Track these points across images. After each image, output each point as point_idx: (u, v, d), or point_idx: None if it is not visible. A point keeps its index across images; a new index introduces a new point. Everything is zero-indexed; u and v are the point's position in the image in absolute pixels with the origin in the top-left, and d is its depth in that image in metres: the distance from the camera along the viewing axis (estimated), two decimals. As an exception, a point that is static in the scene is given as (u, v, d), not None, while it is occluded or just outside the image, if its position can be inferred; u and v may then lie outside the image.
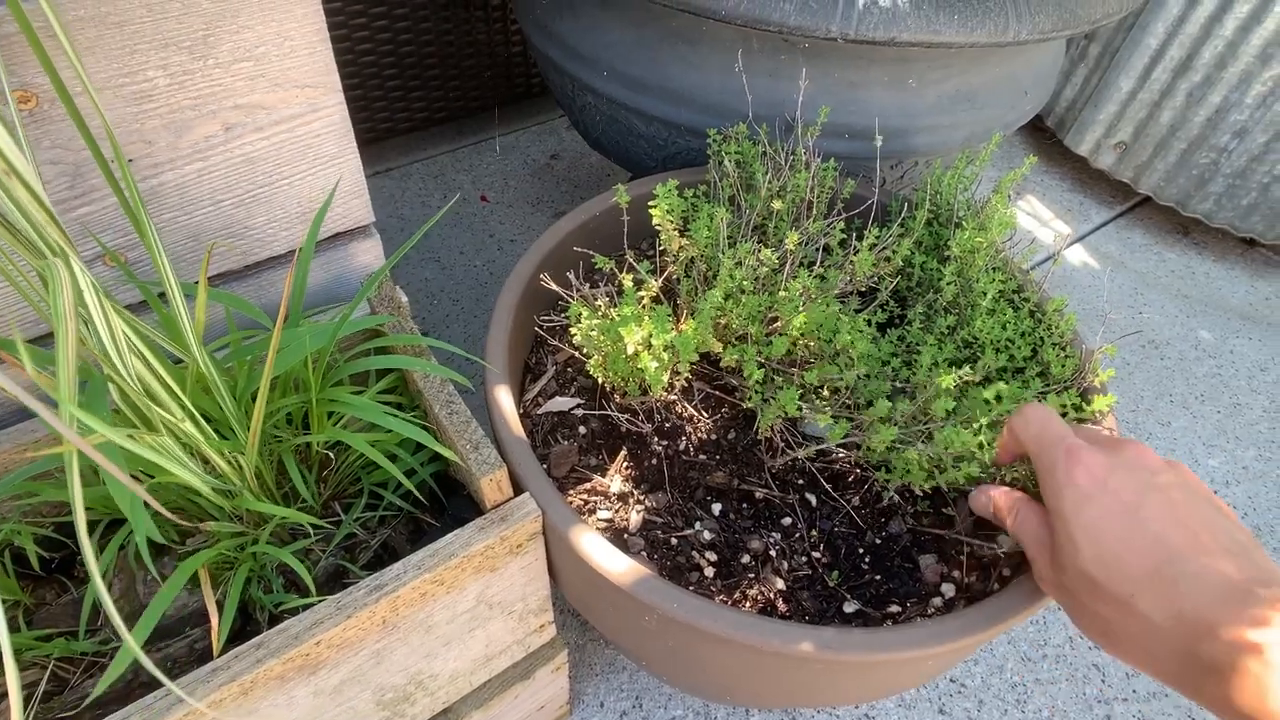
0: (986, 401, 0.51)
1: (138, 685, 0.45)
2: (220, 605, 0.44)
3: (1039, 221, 1.34)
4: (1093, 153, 1.33)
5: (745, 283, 0.52)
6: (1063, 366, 0.56)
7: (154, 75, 0.41)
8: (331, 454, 0.51)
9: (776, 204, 0.54)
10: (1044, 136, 1.48)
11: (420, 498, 0.52)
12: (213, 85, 0.43)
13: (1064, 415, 0.54)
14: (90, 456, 0.24)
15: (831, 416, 0.48)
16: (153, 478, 0.41)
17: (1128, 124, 1.26)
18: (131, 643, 0.29)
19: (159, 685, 0.40)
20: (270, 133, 0.48)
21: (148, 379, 0.35)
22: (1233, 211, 1.22)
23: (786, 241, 0.50)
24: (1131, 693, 0.79)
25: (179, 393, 0.36)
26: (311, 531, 0.48)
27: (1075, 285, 1.23)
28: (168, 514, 0.28)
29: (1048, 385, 0.57)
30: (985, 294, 0.58)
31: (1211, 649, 0.32)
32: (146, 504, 0.44)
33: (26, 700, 0.45)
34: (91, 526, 0.49)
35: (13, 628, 0.47)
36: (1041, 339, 0.59)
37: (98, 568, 0.44)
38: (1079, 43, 1.29)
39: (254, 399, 0.41)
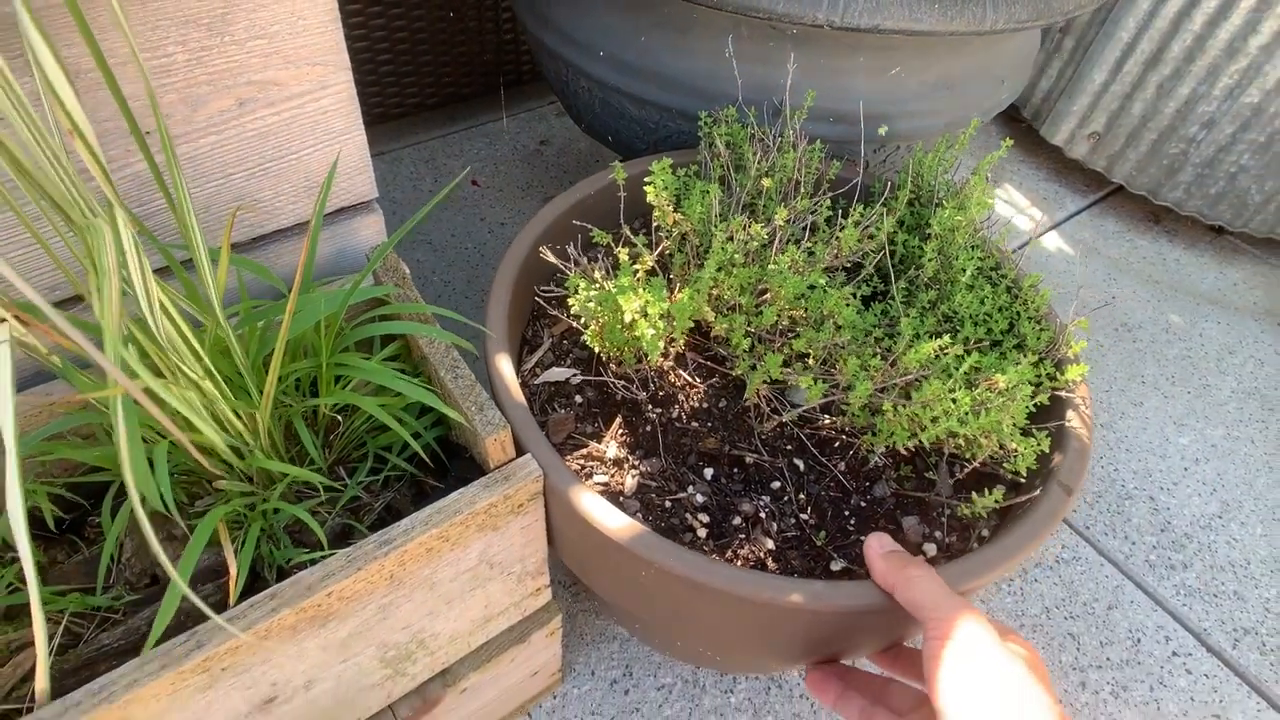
0: (966, 374, 0.54)
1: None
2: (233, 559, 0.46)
3: (1016, 209, 1.38)
4: (1067, 143, 1.37)
5: (736, 255, 0.54)
6: (1038, 338, 0.59)
7: (174, 51, 0.43)
8: (339, 418, 0.53)
9: (766, 182, 0.56)
10: (1021, 127, 1.52)
11: (426, 459, 0.54)
12: (229, 61, 0.45)
13: (1037, 385, 0.57)
14: (136, 397, 0.26)
15: (812, 379, 0.51)
16: (163, 437, 0.43)
17: (1101, 115, 1.29)
18: (180, 582, 0.31)
19: (171, 636, 0.41)
20: (281, 108, 0.49)
21: (175, 338, 0.37)
22: (1202, 200, 1.26)
23: (775, 217, 0.52)
24: (1106, 660, 0.83)
25: (201, 352, 0.38)
26: (322, 490, 0.50)
27: (1051, 270, 1.27)
28: (199, 456, 0.30)
29: (1023, 355, 0.60)
30: (965, 270, 0.61)
31: None
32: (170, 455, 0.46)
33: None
34: (105, 488, 0.50)
35: (30, 584, 0.48)
36: (1018, 313, 0.62)
37: (115, 526, 0.46)
38: (1054, 36, 1.33)
39: (267, 362, 0.43)
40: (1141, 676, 0.82)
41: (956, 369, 0.51)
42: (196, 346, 0.37)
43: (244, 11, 0.43)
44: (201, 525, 0.42)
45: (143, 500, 0.40)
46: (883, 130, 0.65)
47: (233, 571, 0.41)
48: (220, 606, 0.47)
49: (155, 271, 0.50)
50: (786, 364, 0.57)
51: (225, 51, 0.44)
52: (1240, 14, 1.08)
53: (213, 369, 0.39)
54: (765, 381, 0.55)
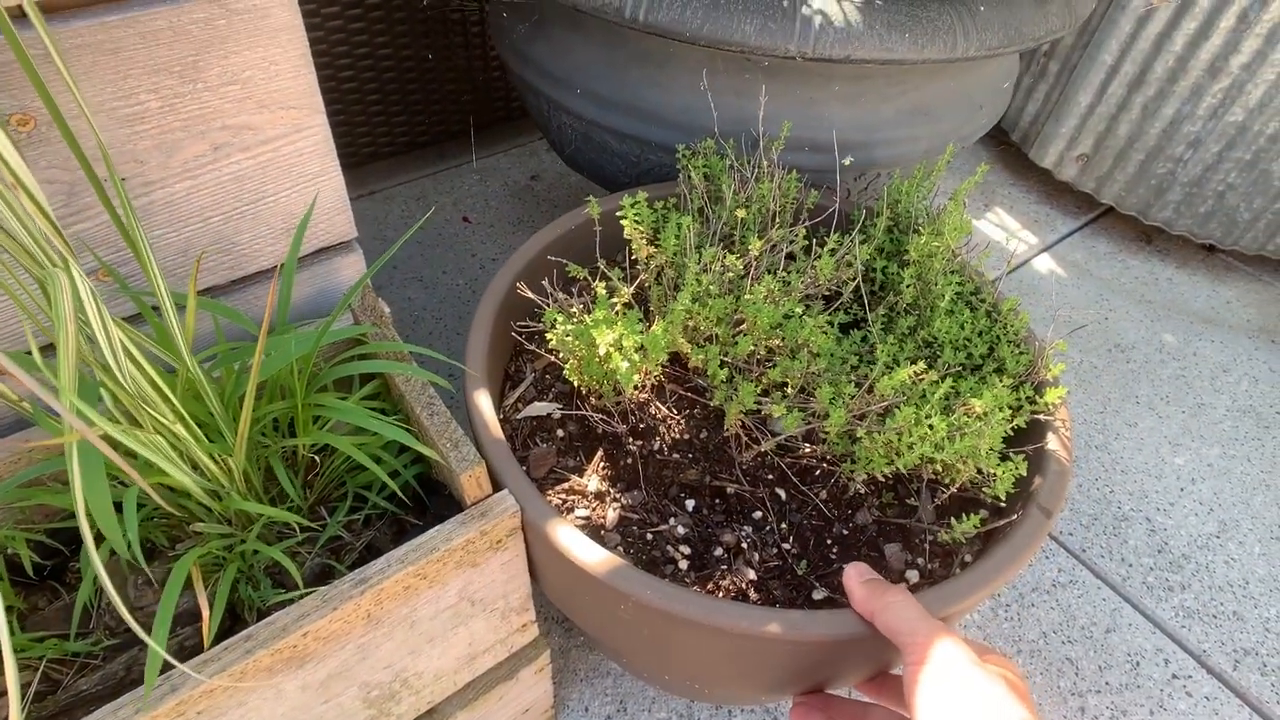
0: (943, 399, 0.53)
1: (128, 682, 0.47)
2: (210, 603, 0.46)
3: (1007, 233, 1.39)
4: (1056, 165, 1.38)
5: (712, 287, 0.54)
6: (1017, 362, 0.59)
7: (146, 99, 0.44)
8: (317, 458, 0.53)
9: (741, 213, 0.57)
10: (1010, 150, 1.53)
11: (404, 499, 0.54)
12: (202, 107, 0.46)
13: (1017, 409, 0.57)
14: (94, 444, 0.26)
15: (786, 407, 0.51)
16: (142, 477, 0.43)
17: (1088, 137, 1.30)
18: (145, 636, 0.31)
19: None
20: (256, 152, 0.50)
21: (141, 383, 0.37)
22: (1191, 219, 1.27)
23: (751, 247, 0.53)
24: (1104, 685, 0.82)
25: (171, 396, 0.38)
26: (299, 530, 0.50)
27: (1043, 293, 1.27)
28: (163, 502, 0.30)
29: (1001, 379, 0.59)
30: (944, 296, 0.61)
31: None
32: (140, 502, 0.46)
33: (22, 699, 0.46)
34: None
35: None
36: (998, 337, 0.62)
37: (91, 570, 0.46)
38: (1039, 60, 1.34)
39: (241, 404, 0.43)
40: (1141, 700, 0.81)
41: (932, 394, 0.51)
42: (166, 390, 0.38)
43: (216, 58, 0.44)
44: (175, 570, 0.42)
45: (112, 546, 0.40)
46: (847, 161, 0.66)
47: (205, 615, 0.41)
48: (197, 650, 0.47)
49: (132, 318, 0.51)
50: (765, 393, 0.57)
51: (199, 98, 0.45)
52: (1220, 34, 1.09)
53: (184, 413, 0.39)
54: (744, 411, 0.55)
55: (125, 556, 0.36)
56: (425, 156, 1.42)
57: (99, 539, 0.47)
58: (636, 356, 0.51)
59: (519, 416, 0.62)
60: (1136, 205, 1.31)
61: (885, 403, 0.50)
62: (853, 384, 0.52)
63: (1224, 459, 1.04)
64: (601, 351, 0.50)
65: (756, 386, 0.52)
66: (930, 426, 0.48)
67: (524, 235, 1.29)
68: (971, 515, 0.50)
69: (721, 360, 0.56)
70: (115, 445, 0.34)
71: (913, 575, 0.53)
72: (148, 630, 0.50)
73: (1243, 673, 0.83)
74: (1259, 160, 1.15)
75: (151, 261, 0.35)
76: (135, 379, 0.34)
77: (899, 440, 0.50)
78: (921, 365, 0.50)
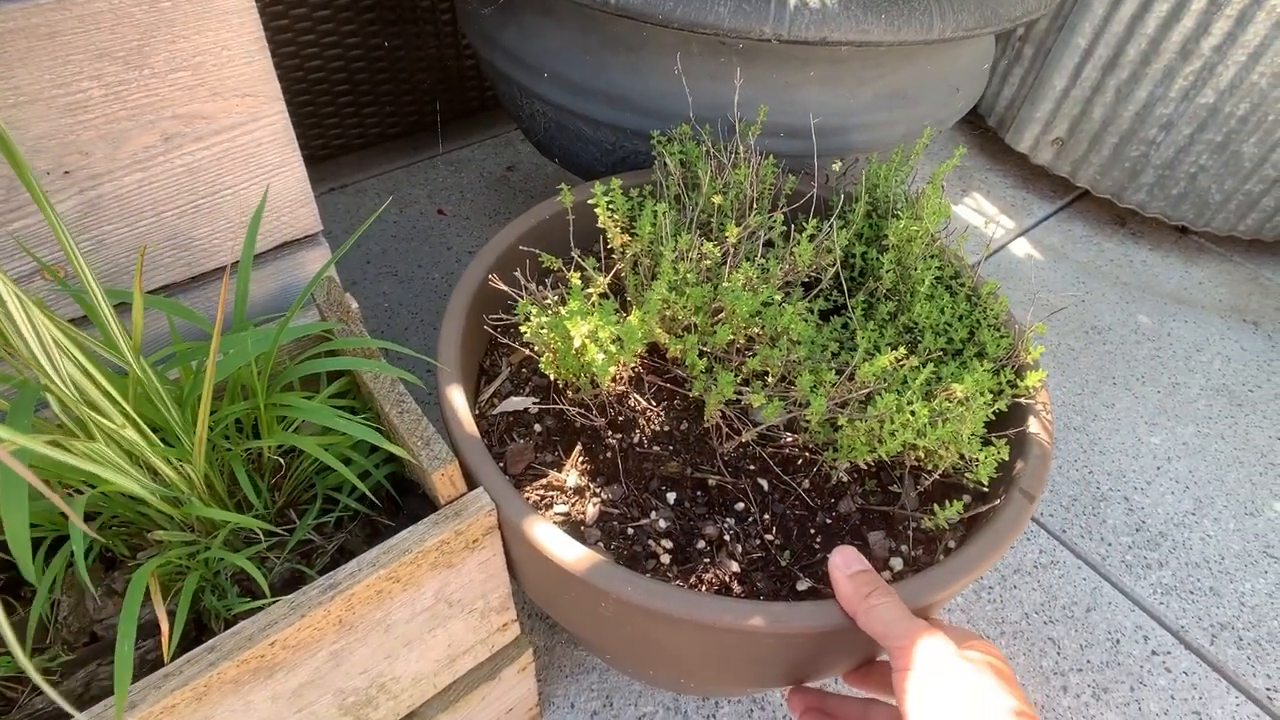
0: (924, 384, 0.53)
1: (87, 699, 0.45)
2: (172, 615, 0.44)
3: (985, 217, 1.39)
4: (1032, 149, 1.38)
5: (689, 275, 0.53)
6: (998, 346, 0.59)
7: (88, 86, 0.41)
8: (284, 460, 0.51)
9: (717, 199, 0.55)
10: (987, 135, 1.53)
11: (376, 501, 0.52)
12: (150, 95, 0.44)
13: (998, 393, 0.56)
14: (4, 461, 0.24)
15: (766, 397, 0.50)
16: (94, 488, 0.41)
17: (1063, 120, 1.31)
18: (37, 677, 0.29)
19: (109, 696, 0.39)
20: (211, 142, 0.48)
21: (86, 387, 0.35)
22: (1164, 201, 1.27)
23: (727, 234, 0.52)
24: (1086, 663, 0.82)
25: (120, 400, 0.36)
26: (263, 536, 0.48)
27: (1021, 277, 1.27)
28: (87, 529, 0.28)
29: (984, 364, 0.59)
30: (923, 280, 0.60)
31: None
32: (96, 510, 0.44)
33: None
34: (36, 544, 0.48)
35: (-42, 648, 0.46)
36: (978, 321, 0.62)
37: (45, 581, 0.44)
38: (1014, 44, 1.34)
39: (199, 406, 0.41)
40: (1122, 677, 0.81)
41: (913, 380, 0.50)
42: (114, 393, 0.36)
43: (162, 43, 0.42)
44: (134, 582, 0.40)
45: (76, 555, 0.38)
46: (816, 145, 0.65)
47: (164, 629, 0.39)
48: (159, 663, 0.45)
49: (77, 320, 0.49)
50: (745, 383, 0.56)
51: (145, 85, 0.43)
52: (1191, 16, 1.09)
53: (135, 417, 0.37)
54: (724, 402, 0.54)
55: (39, 591, 0.34)
56: (398, 148, 1.39)
57: (49, 558, 0.44)
58: (613, 348, 0.50)
59: (495, 412, 0.60)
60: (1111, 188, 1.31)
61: (866, 390, 0.50)
62: (833, 371, 0.51)
63: (1198, 437, 1.05)
64: (577, 344, 0.49)
65: (736, 376, 0.51)
66: (912, 413, 0.48)
67: (500, 227, 1.27)
68: (955, 502, 0.49)
69: (700, 350, 0.55)
70: (50, 460, 0.33)
71: (897, 563, 0.53)
72: (110, 645, 0.48)
73: (1220, 647, 0.84)
74: (1230, 142, 1.16)
75: (77, 255, 0.33)
76: (78, 382, 0.32)
77: (881, 427, 0.49)
78: (902, 351, 0.49)
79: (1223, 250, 1.37)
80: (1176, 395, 1.10)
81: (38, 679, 0.28)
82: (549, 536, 0.46)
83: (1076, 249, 1.34)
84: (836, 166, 0.74)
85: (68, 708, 0.33)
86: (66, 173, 0.43)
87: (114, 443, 0.36)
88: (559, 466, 0.57)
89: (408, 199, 1.30)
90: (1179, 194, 1.25)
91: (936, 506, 0.51)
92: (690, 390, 0.57)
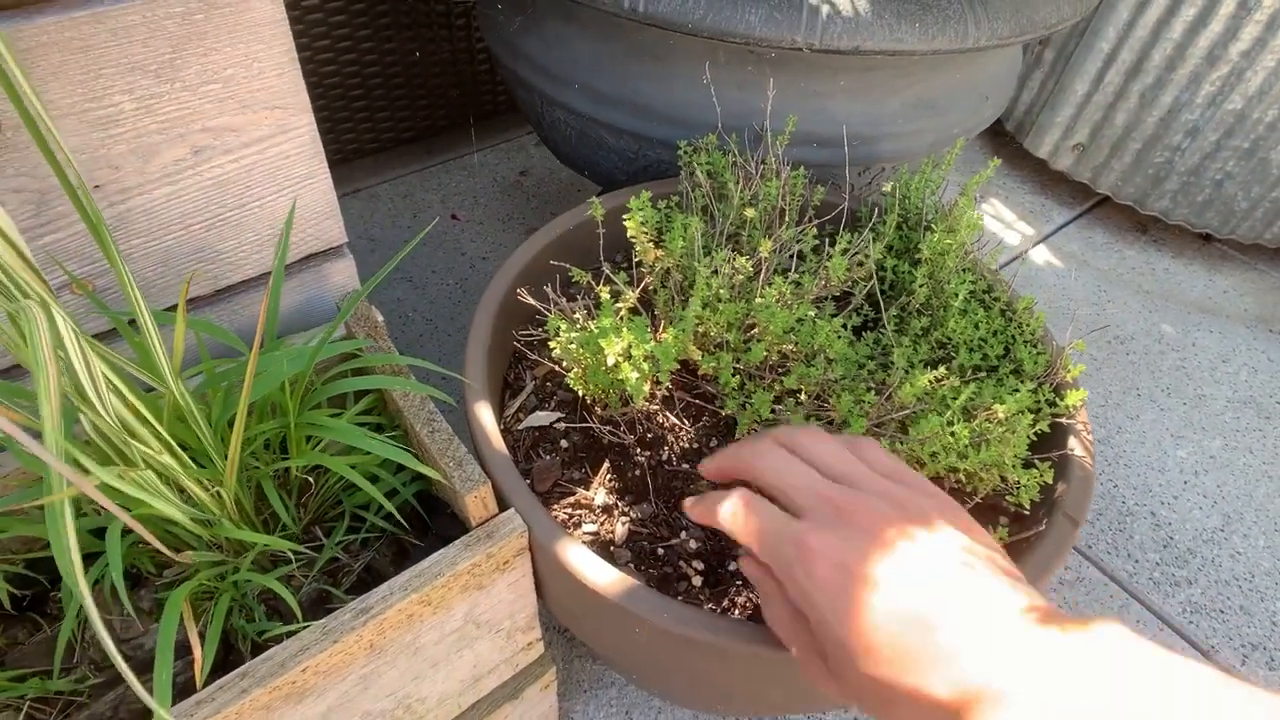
0: (964, 405, 0.52)
1: (118, 722, 0.44)
2: (202, 636, 0.43)
3: (1003, 224, 1.37)
4: (1052, 155, 1.36)
5: (722, 291, 0.52)
6: (1035, 363, 0.58)
7: (120, 100, 0.40)
8: (311, 478, 0.51)
9: (749, 212, 0.54)
10: (1005, 140, 1.52)
11: (402, 519, 0.51)
12: (180, 109, 0.43)
13: (1038, 411, 0.55)
14: (93, 497, 0.24)
15: (804, 416, 0.49)
16: (129, 510, 0.40)
17: (1084, 126, 1.29)
18: (150, 698, 0.28)
19: (140, 721, 0.39)
20: (239, 155, 0.47)
21: (124, 413, 0.34)
22: (1188, 208, 1.26)
23: (760, 249, 0.51)
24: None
25: (155, 424, 0.36)
26: (293, 558, 0.47)
27: (1040, 285, 1.26)
28: (161, 546, 0.28)
29: (1021, 382, 0.58)
30: (957, 295, 0.59)
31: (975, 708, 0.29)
32: (127, 533, 0.43)
33: (0, 744, 0.44)
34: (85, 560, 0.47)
35: (-17, 670, 0.46)
36: (1013, 337, 0.61)
37: (74, 604, 0.43)
38: (1034, 49, 1.33)
39: (230, 426, 0.41)
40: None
41: (953, 400, 0.49)
42: (150, 419, 0.35)
43: (194, 56, 0.41)
44: (168, 608, 0.40)
45: (116, 580, 0.37)
46: (847, 154, 0.64)
47: (197, 655, 0.39)
48: (189, 686, 0.44)
49: (104, 334, 0.48)
50: (777, 400, 0.55)
51: (177, 98, 0.42)
52: (1220, 20, 1.08)
53: (170, 441, 0.37)
54: (756, 421, 0.53)
55: (91, 610, 0.33)
56: (411, 152, 1.38)
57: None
58: (646, 366, 0.49)
59: (520, 427, 0.59)
60: (1133, 195, 1.30)
61: (906, 411, 0.48)
62: (871, 391, 0.50)
63: (1226, 451, 1.03)
64: (610, 361, 0.48)
65: (770, 394, 0.50)
66: (953, 434, 0.47)
67: (514, 232, 1.26)
68: (999, 527, 0.48)
69: (733, 368, 0.54)
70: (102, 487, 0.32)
71: (934, 587, 0.52)
72: (139, 666, 0.47)
73: (1251, 668, 0.82)
74: (1257, 148, 1.14)
75: (130, 280, 0.33)
76: (120, 412, 0.31)
77: (921, 449, 0.48)
78: (941, 370, 0.48)
79: (1247, 258, 1.35)
80: (1203, 407, 1.08)
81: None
82: (582, 560, 0.45)
83: (1097, 256, 1.33)
84: (860, 177, 0.73)
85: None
86: (96, 187, 0.42)
87: (149, 466, 0.36)
88: (586, 484, 0.56)
89: (421, 204, 1.29)
90: (1204, 201, 1.23)
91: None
92: (722, 408, 0.56)
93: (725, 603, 0.50)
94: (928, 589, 0.32)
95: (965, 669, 0.30)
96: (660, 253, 0.54)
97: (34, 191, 0.41)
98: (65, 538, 0.24)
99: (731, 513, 0.39)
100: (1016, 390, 0.54)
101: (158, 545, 0.26)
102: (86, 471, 0.27)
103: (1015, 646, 0.30)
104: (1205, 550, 0.92)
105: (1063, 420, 0.54)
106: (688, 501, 0.44)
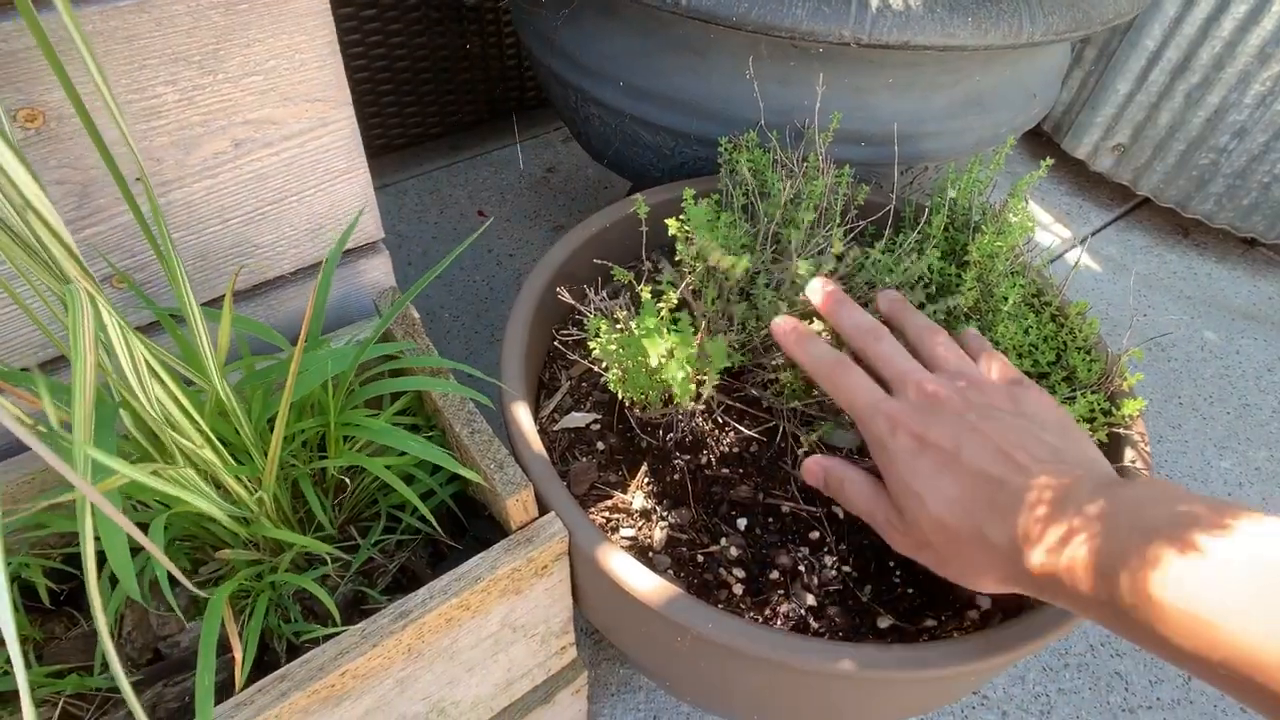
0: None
1: (153, 723, 0.44)
2: (239, 637, 0.42)
3: (1040, 226, 1.34)
4: (1091, 156, 1.33)
5: (770, 293, 0.51)
6: (1089, 370, 0.56)
7: (163, 91, 0.40)
8: (347, 478, 0.50)
9: (806, 216, 0.53)
10: (1042, 141, 1.49)
11: (435, 522, 0.50)
12: (222, 101, 0.42)
13: (1092, 420, 0.53)
14: (99, 506, 0.23)
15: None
16: (168, 508, 0.40)
17: (1126, 126, 1.26)
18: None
19: (178, 719, 0.38)
20: (280, 148, 0.47)
21: (167, 405, 0.33)
22: (1233, 212, 1.22)
23: (834, 247, 0.49)
24: (1155, 700, 0.78)
25: (198, 419, 0.35)
26: (329, 559, 0.46)
27: (1078, 289, 1.23)
28: (174, 569, 0.27)
29: (1073, 389, 0.56)
30: (1006, 299, 0.57)
31: (1046, 559, 0.35)
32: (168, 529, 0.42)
33: (37, 740, 0.43)
34: (99, 559, 0.47)
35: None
36: (1065, 343, 0.59)
37: (107, 607, 0.43)
38: (1075, 46, 1.30)
39: (270, 424, 0.40)
40: (1195, 716, 0.77)
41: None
42: (194, 413, 0.34)
43: (237, 47, 0.41)
44: (210, 610, 0.39)
45: (161, 580, 0.36)
46: (888, 153, 0.62)
47: (238, 657, 0.38)
48: (226, 686, 0.43)
49: (146, 327, 0.47)
50: (820, 405, 0.53)
51: (218, 90, 0.41)
52: (1272, 18, 1.04)
53: (212, 437, 0.36)
54: (819, 441, 0.51)
55: (139, 600, 0.33)
56: (438, 148, 1.38)
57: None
58: (689, 367, 0.47)
59: (556, 428, 0.58)
60: (1176, 197, 1.26)
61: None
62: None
63: (1272, 462, 1.00)
64: (653, 363, 0.46)
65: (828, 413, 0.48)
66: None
67: (541, 229, 1.25)
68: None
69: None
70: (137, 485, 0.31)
71: (984, 601, 0.50)
72: (176, 664, 0.46)
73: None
74: (1308, 150, 1.11)
75: (182, 274, 0.32)
76: (164, 403, 0.31)
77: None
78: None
79: (1292, 264, 1.31)
80: (1247, 417, 1.05)
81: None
82: (624, 566, 0.44)
83: (1137, 260, 1.30)
84: (903, 176, 0.71)
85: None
86: (137, 179, 0.42)
87: (190, 463, 0.35)
88: (624, 487, 0.55)
89: (448, 200, 1.28)
90: (1250, 204, 1.20)
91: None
92: (769, 410, 0.54)
93: (767, 612, 0.49)
94: (980, 458, 0.39)
95: (1024, 521, 0.36)
96: (720, 254, 0.52)
97: (76, 184, 0.40)
98: (85, 539, 0.24)
99: (835, 385, 0.46)
100: (1072, 397, 0.52)
101: (158, 555, 0.25)
102: (114, 470, 0.26)
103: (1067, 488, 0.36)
104: (1251, 564, 0.89)
105: (1119, 430, 0.53)
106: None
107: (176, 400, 0.31)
